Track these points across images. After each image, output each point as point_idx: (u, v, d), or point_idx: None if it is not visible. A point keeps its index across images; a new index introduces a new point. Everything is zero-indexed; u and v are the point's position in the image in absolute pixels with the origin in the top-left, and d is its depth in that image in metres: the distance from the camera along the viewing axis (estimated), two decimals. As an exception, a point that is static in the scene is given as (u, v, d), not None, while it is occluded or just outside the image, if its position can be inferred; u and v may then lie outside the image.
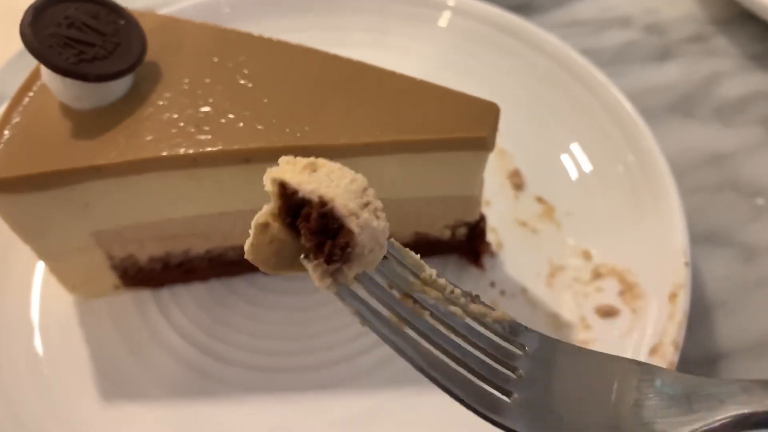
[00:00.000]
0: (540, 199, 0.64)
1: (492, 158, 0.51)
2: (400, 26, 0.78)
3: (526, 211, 0.64)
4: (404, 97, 0.48)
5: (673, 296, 0.51)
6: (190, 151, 0.46)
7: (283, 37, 0.78)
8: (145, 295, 0.58)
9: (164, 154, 0.46)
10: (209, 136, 0.46)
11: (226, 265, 0.58)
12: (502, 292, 0.58)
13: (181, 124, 0.47)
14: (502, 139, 0.54)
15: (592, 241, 0.60)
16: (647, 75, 0.80)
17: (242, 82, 0.50)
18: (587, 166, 0.65)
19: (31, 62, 0.49)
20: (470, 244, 0.58)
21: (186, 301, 0.58)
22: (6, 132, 0.48)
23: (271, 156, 0.46)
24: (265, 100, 0.48)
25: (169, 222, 0.52)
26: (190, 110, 0.48)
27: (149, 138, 0.47)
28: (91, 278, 0.56)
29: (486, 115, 0.48)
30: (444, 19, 0.77)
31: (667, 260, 0.54)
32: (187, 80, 0.50)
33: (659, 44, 0.83)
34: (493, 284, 0.59)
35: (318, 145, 0.46)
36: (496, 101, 0.48)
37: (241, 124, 0.47)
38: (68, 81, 0.48)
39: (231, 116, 0.48)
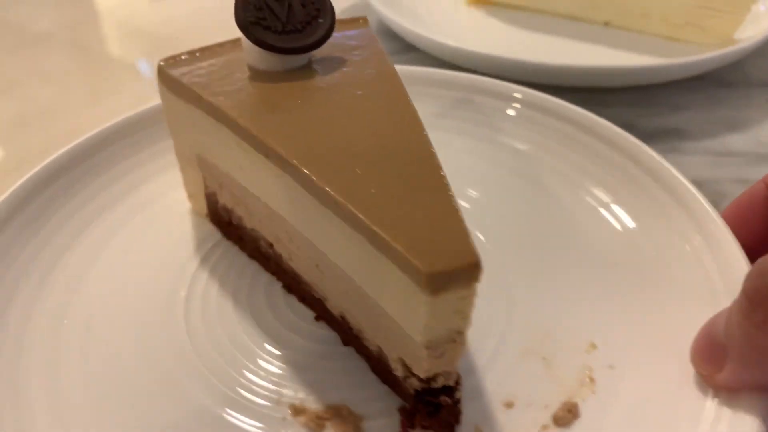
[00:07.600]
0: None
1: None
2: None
3: None
4: (417, 193, 0.43)
5: None
6: (261, 137, 0.49)
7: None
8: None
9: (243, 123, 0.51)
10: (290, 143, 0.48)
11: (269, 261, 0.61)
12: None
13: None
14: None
15: None
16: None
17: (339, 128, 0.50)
18: None
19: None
20: (419, 406, 0.46)
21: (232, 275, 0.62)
22: (207, 62, 0.59)
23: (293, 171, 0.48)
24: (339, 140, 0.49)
25: (235, 183, 0.58)
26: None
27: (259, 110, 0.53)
28: (197, 195, 0.67)
29: (456, 259, 0.38)
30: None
31: None
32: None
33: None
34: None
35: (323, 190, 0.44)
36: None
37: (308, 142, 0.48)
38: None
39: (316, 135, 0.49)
